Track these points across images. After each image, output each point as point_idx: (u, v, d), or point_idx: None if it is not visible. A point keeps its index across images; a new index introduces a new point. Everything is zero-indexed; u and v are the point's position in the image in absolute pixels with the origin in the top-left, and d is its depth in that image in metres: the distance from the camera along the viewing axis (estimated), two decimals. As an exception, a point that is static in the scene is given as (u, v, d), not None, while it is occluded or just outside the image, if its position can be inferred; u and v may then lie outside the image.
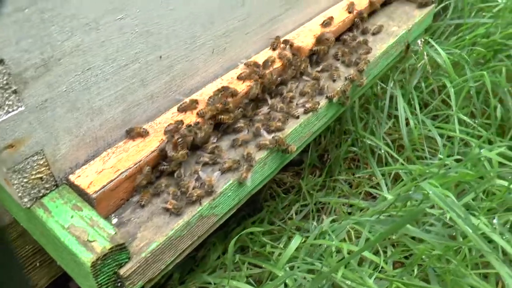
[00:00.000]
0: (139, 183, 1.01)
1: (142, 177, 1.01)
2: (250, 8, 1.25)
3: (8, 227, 1.18)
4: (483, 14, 2.44)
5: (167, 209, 1.00)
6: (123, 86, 1.01)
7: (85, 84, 0.93)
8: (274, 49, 1.36)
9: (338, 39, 1.55)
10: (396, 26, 1.64)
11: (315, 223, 1.81)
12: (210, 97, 1.15)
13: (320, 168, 2.20)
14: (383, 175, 1.97)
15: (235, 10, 1.21)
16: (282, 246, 1.70)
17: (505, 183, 1.60)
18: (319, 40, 1.41)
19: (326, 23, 1.47)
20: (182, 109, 1.14)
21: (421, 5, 1.73)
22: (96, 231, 0.89)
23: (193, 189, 1.03)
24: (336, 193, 2.04)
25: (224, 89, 1.17)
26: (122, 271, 0.89)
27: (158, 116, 1.14)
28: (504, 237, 1.49)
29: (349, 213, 1.89)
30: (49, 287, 1.40)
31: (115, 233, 0.89)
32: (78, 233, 0.88)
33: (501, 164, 1.88)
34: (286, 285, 1.45)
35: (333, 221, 1.74)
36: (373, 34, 1.59)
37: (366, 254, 1.44)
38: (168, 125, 1.08)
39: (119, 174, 0.98)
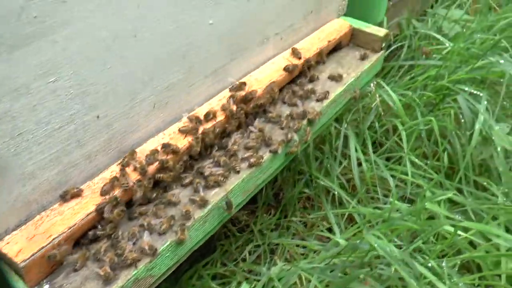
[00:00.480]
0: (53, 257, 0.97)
1: (57, 253, 0.97)
2: (192, 60, 1.25)
3: None
4: (434, 55, 2.51)
5: (100, 275, 0.97)
6: (57, 149, 0.99)
7: (15, 150, 0.91)
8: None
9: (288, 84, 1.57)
10: (345, 73, 1.66)
11: (265, 268, 1.80)
12: (147, 156, 1.14)
13: (275, 207, 2.20)
14: (338, 215, 1.99)
15: (176, 63, 1.20)
16: (231, 292, 1.69)
17: (451, 229, 1.64)
18: (266, 90, 1.42)
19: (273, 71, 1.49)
20: (122, 166, 1.13)
21: (363, 57, 1.75)
22: (21, 303, 0.86)
23: (129, 252, 1.01)
24: (290, 234, 2.05)
25: (164, 146, 1.16)
26: None
27: (97, 175, 1.12)
28: (452, 280, 1.52)
29: (303, 254, 1.90)
30: None
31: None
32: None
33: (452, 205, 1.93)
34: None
35: (286, 260, 1.74)
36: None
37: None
38: (105, 185, 1.06)
39: (52, 240, 0.96)
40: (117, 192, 1.06)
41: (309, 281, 1.61)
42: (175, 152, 1.16)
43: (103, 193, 1.05)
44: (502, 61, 2.01)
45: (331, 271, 1.65)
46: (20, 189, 0.95)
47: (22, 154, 0.93)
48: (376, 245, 1.38)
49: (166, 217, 1.09)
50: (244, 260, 1.95)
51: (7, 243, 0.94)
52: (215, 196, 1.17)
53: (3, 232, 0.96)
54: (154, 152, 1.15)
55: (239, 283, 1.73)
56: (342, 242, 1.75)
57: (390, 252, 1.39)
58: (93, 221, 1.04)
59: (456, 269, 1.68)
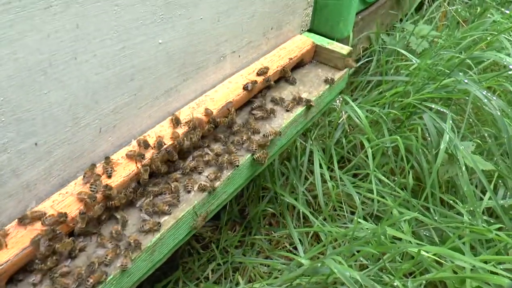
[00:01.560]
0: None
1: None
2: (140, 82, 1.19)
3: None
4: (402, 71, 2.51)
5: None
6: (-12, 181, 0.94)
7: None
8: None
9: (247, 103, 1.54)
10: (307, 92, 1.63)
11: (228, 285, 1.76)
12: (91, 184, 1.09)
13: (240, 223, 2.17)
14: (303, 233, 1.96)
15: (123, 85, 1.14)
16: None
17: (414, 250, 1.62)
18: (221, 110, 1.38)
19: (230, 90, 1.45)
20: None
21: (327, 82, 1.72)
22: None
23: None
24: (254, 251, 2.01)
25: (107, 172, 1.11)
26: None
27: (37, 205, 1.05)
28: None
29: (267, 273, 1.86)
30: None
31: None
32: None
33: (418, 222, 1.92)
34: None
35: (250, 278, 1.70)
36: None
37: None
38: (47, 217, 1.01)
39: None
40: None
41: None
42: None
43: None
44: (466, 81, 2.00)
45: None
46: None
47: None
48: (336, 270, 1.35)
49: (110, 248, 1.04)
50: (206, 278, 1.91)
51: None
52: (165, 223, 1.13)
53: None
54: (97, 178, 1.10)
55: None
56: (306, 262, 1.72)
57: (350, 277, 1.36)
58: (31, 254, 0.98)
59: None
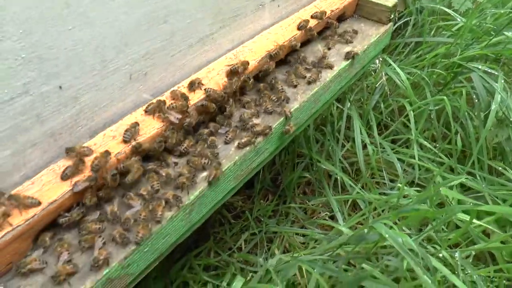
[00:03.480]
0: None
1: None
2: (173, 26, 1.07)
3: None
4: (443, 32, 2.35)
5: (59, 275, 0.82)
6: (10, 125, 0.83)
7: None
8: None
9: (285, 59, 1.41)
10: (350, 46, 1.50)
11: (261, 258, 1.66)
12: (126, 130, 0.98)
13: (273, 192, 2.06)
14: (341, 202, 1.84)
15: (154, 28, 1.03)
16: (225, 284, 1.55)
17: (466, 217, 1.50)
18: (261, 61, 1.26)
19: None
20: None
21: (371, 36, 1.58)
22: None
23: (99, 249, 0.86)
24: (289, 220, 1.90)
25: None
26: None
27: (64, 157, 0.95)
28: (466, 272, 1.38)
29: (303, 243, 1.76)
30: None
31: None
32: None
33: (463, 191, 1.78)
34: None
35: (285, 249, 1.60)
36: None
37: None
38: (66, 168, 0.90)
39: (4, 235, 0.80)
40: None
41: (310, 273, 1.47)
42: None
43: (64, 177, 0.89)
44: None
45: (333, 262, 1.51)
46: (-37, 172, 0.80)
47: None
48: (387, 235, 1.22)
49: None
50: (239, 249, 1.81)
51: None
52: (202, 180, 1.02)
53: None
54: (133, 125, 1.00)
55: (234, 275, 1.59)
56: (346, 230, 1.61)
57: (403, 243, 1.24)
58: (58, 210, 0.88)
59: (470, 260, 1.55)
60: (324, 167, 1.95)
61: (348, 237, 1.49)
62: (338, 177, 1.94)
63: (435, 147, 1.98)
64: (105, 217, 0.92)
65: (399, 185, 1.76)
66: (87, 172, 0.91)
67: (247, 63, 1.21)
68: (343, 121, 2.03)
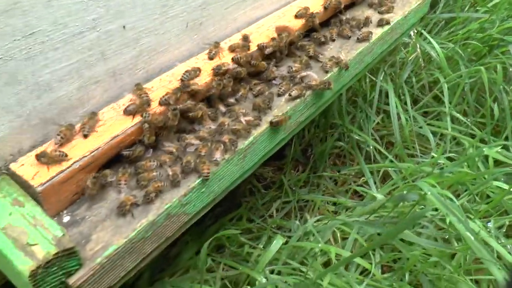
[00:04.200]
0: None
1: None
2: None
3: None
4: (477, 8, 2.33)
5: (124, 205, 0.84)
6: (78, 59, 0.85)
7: (27, 53, 0.77)
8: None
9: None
10: (392, 13, 1.50)
11: (297, 222, 1.67)
12: (186, 72, 0.99)
13: (303, 164, 2.07)
14: (371, 173, 1.85)
15: (213, -21, 1.05)
16: (261, 246, 1.56)
17: (503, 185, 1.50)
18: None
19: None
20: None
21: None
22: (39, 232, 0.73)
23: (154, 182, 0.87)
24: (320, 190, 1.91)
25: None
26: (71, 281, 0.73)
27: (122, 97, 0.97)
28: (499, 242, 1.39)
29: (334, 212, 1.76)
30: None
31: (63, 235, 0.73)
32: (16, 234, 0.72)
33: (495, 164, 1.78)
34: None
35: (317, 220, 1.61)
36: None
37: (359, 261, 1.30)
38: (130, 104, 0.92)
39: (72, 164, 0.82)
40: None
41: (345, 238, 1.48)
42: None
43: (128, 112, 0.91)
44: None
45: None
46: (34, 102, 0.81)
47: (36, 59, 0.78)
48: (429, 193, 1.23)
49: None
50: (271, 216, 1.83)
51: (22, 165, 0.81)
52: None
53: (16, 152, 0.83)
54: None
55: (269, 238, 1.60)
56: (380, 197, 1.62)
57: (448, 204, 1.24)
58: (120, 146, 0.90)
59: (504, 230, 1.55)
60: (356, 137, 1.95)
61: (384, 201, 1.50)
62: (370, 149, 1.94)
63: (467, 121, 1.98)
64: (163, 155, 0.93)
65: (433, 154, 1.76)
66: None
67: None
68: (376, 93, 2.03)
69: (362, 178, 1.87)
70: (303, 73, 1.16)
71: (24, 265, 0.68)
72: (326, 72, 1.21)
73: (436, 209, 1.52)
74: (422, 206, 1.43)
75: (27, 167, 0.81)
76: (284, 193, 1.88)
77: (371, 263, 1.35)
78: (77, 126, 0.88)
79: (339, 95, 1.83)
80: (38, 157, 0.80)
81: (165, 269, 1.58)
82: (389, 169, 1.84)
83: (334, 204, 1.80)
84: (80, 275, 0.74)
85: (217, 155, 0.93)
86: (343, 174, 1.93)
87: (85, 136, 0.86)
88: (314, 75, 1.16)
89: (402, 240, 1.43)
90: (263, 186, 1.99)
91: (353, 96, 2.15)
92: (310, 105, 1.17)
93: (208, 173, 0.89)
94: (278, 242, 1.34)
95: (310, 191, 1.91)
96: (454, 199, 1.26)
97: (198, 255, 1.55)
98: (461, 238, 1.47)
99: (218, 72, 1.02)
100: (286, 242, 1.49)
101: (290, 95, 1.10)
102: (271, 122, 1.03)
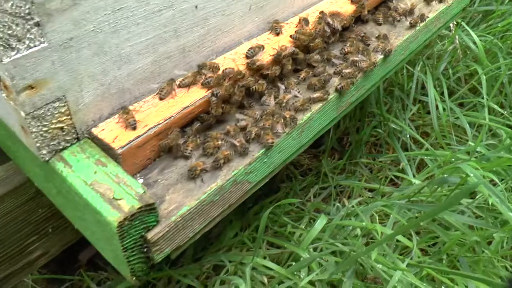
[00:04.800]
0: (163, 144, 0.92)
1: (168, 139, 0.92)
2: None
3: (18, 190, 1.09)
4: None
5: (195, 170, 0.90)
6: (154, 34, 0.91)
7: (114, 26, 0.83)
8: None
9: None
10: (436, 0, 1.54)
11: (338, 204, 1.72)
12: (250, 48, 1.06)
13: (340, 152, 2.12)
14: (407, 161, 1.89)
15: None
16: (303, 227, 1.61)
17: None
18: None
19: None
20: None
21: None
22: (123, 188, 0.80)
23: (224, 149, 0.94)
24: (356, 178, 1.96)
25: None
26: (149, 235, 0.80)
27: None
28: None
29: (371, 198, 1.81)
30: (59, 258, 1.32)
31: (144, 192, 0.80)
32: (102, 190, 0.79)
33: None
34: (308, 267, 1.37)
35: (359, 203, 1.66)
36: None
37: (400, 238, 1.35)
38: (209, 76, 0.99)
39: (148, 130, 0.88)
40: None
41: (381, 223, 1.52)
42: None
43: (205, 84, 0.98)
44: None
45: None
46: (115, 72, 0.88)
47: (121, 32, 0.85)
48: (472, 175, 1.27)
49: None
50: (308, 201, 1.88)
51: (102, 130, 0.88)
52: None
53: (97, 118, 0.89)
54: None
55: (310, 220, 1.66)
56: (417, 182, 1.66)
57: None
58: (189, 115, 0.96)
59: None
60: (393, 126, 1.99)
61: (424, 184, 1.54)
62: (406, 138, 1.98)
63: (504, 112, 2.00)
64: (228, 127, 0.99)
65: (470, 142, 1.79)
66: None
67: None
68: (413, 83, 2.07)
69: (398, 167, 1.91)
70: (355, 57, 1.21)
71: (113, 216, 0.75)
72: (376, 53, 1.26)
73: (472, 198, 1.56)
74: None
75: (107, 132, 0.87)
76: (321, 179, 1.93)
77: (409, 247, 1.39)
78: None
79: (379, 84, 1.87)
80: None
81: (207, 248, 1.65)
82: (425, 158, 1.87)
83: (370, 191, 1.84)
84: (157, 231, 0.81)
85: (279, 128, 0.98)
86: (380, 162, 1.98)
87: (161, 99, 0.94)
88: (364, 58, 1.21)
89: (439, 224, 1.47)
90: (300, 173, 2.04)
91: (389, 86, 2.19)
92: (359, 87, 1.22)
93: (273, 142, 0.95)
94: (322, 220, 1.39)
95: (347, 178, 1.95)
96: (498, 181, 1.29)
97: (243, 232, 1.61)
98: (498, 224, 1.51)
99: (280, 54, 1.08)
100: (329, 222, 1.54)
101: (342, 75, 1.15)
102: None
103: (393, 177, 1.89)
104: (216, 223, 0.95)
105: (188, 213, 0.85)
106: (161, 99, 0.95)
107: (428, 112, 2.14)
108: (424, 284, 1.25)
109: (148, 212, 0.78)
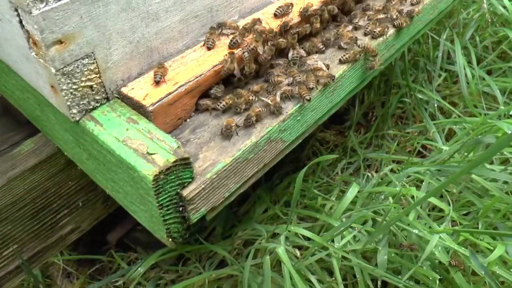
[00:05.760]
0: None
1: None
2: None
3: (48, 161, 1.08)
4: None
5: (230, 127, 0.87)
6: (181, -9, 0.89)
7: (141, -19, 0.81)
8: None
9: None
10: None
11: (368, 174, 1.68)
12: (279, 7, 1.03)
13: (365, 126, 2.08)
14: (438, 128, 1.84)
15: None
16: (333, 199, 1.58)
17: None
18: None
19: None
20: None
21: None
22: (156, 143, 0.78)
23: (255, 106, 0.91)
24: (383, 151, 1.91)
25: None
26: (185, 192, 0.78)
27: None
28: None
29: (399, 170, 1.77)
30: (88, 239, 1.31)
31: (178, 146, 0.77)
32: (135, 145, 0.77)
33: None
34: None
35: (390, 171, 1.61)
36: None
37: (434, 201, 1.30)
38: (234, 37, 0.96)
39: (178, 87, 0.86)
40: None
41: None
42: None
43: (233, 46, 0.95)
44: None
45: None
46: (143, 30, 0.86)
47: (147, -12, 0.83)
48: (510, 131, 1.22)
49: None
50: (336, 175, 1.85)
51: (132, 89, 0.86)
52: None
53: (126, 78, 0.87)
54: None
55: (340, 192, 1.62)
56: (447, 149, 1.61)
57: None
58: (218, 75, 0.94)
59: None
60: (420, 96, 1.94)
61: (456, 149, 1.49)
62: (432, 109, 1.93)
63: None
64: (259, 85, 0.97)
65: (501, 107, 1.73)
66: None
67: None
68: (440, 51, 2.01)
69: (426, 137, 1.86)
70: (381, 15, 1.18)
71: (148, 170, 0.73)
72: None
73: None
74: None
75: (137, 90, 0.85)
76: (348, 154, 1.89)
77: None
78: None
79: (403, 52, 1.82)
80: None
81: (235, 225, 1.63)
82: (454, 126, 1.82)
83: (398, 163, 1.80)
84: (193, 188, 0.78)
85: (312, 84, 0.95)
86: (407, 133, 1.93)
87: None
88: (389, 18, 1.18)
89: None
90: (326, 149, 2.01)
91: (415, 57, 2.14)
92: (390, 46, 1.18)
93: (310, 96, 0.92)
94: (354, 189, 1.35)
95: (374, 151, 1.91)
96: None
97: (275, 205, 1.59)
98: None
99: (306, 13, 1.05)
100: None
101: (374, 34, 1.12)
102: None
103: (420, 149, 1.84)
104: (251, 184, 0.93)
105: (224, 170, 0.82)
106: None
107: (455, 82, 2.09)
108: (463, 248, 1.21)
109: (183, 167, 0.76)
